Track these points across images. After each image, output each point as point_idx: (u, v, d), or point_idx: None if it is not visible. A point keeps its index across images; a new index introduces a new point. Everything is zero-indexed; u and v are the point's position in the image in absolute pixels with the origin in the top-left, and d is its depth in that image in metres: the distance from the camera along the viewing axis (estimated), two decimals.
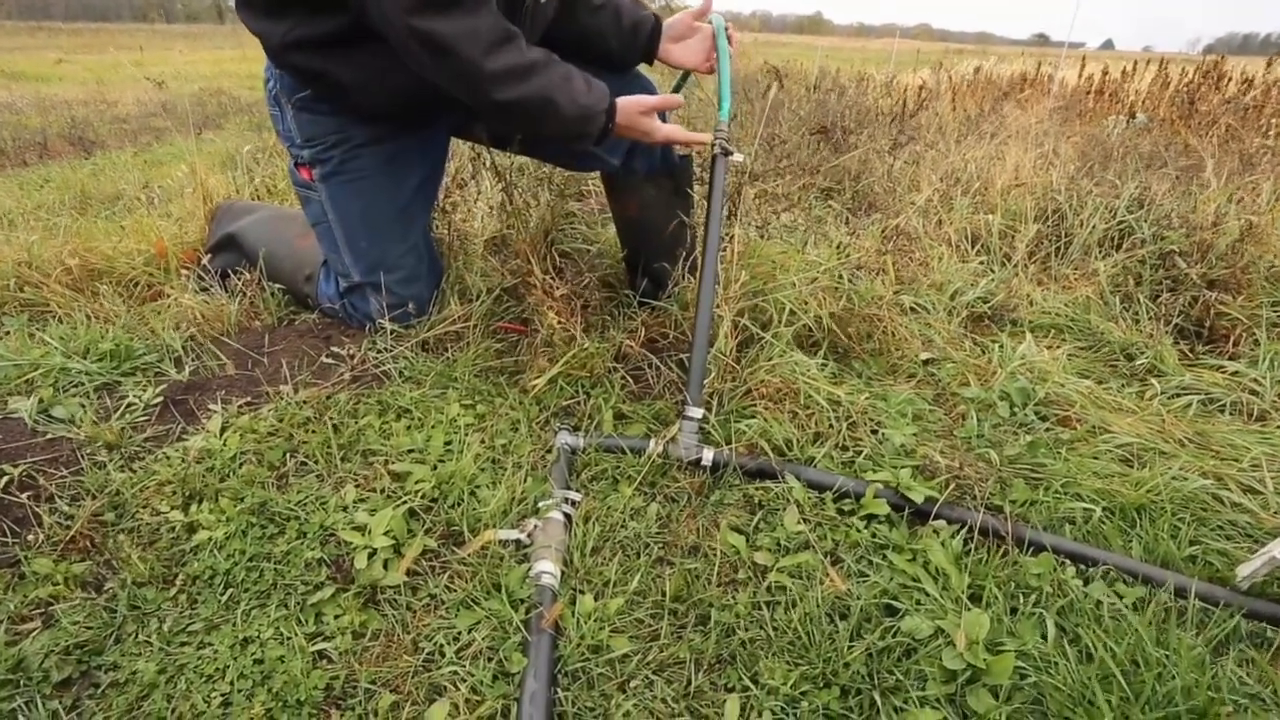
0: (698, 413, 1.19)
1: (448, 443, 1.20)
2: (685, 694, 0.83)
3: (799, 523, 1.06)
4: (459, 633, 0.88)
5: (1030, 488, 1.15)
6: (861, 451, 1.21)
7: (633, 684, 0.83)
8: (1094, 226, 2.08)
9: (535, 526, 1.01)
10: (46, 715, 0.78)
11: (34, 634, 0.85)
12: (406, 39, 1.09)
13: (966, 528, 1.05)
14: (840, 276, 1.58)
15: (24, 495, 1.02)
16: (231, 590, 0.92)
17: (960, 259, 2.04)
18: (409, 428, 1.23)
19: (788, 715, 0.81)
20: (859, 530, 1.05)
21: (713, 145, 1.32)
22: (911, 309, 1.69)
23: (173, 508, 1.03)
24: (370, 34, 1.16)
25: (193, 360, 1.41)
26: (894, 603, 0.93)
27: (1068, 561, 1.01)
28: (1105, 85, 4.71)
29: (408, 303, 1.49)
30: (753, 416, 1.26)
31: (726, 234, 1.45)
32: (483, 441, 1.21)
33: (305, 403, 1.25)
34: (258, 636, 0.86)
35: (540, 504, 1.06)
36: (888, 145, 2.90)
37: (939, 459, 1.17)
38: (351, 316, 1.53)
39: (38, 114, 5.37)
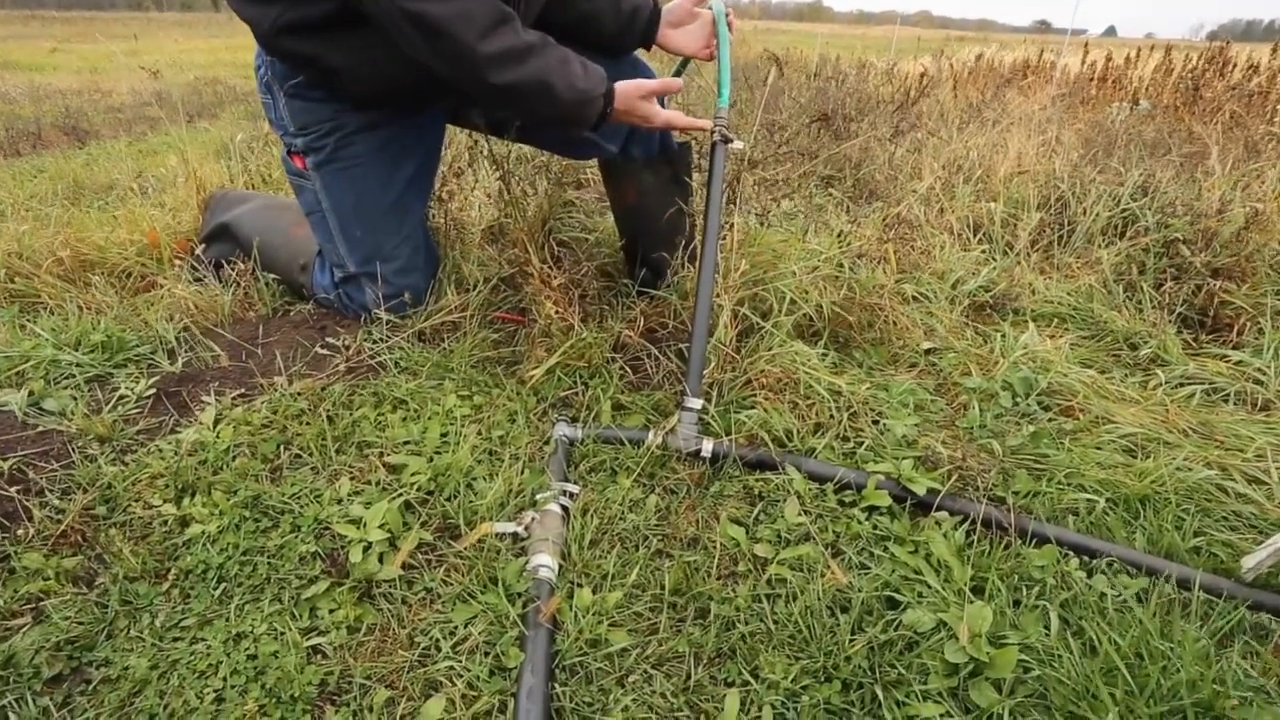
0: (697, 403, 1.18)
1: (444, 434, 1.18)
2: (684, 688, 0.82)
3: (799, 515, 1.05)
4: (455, 627, 0.87)
5: (1033, 479, 1.14)
6: (863, 442, 1.20)
7: (631, 678, 0.83)
8: (1097, 214, 2.06)
9: (533, 519, 1.00)
10: (37, 712, 0.77)
11: (24, 629, 0.84)
12: (398, 20, 1.07)
13: (969, 519, 1.04)
14: (841, 265, 1.57)
15: (14, 489, 1.01)
16: (224, 585, 0.91)
17: (962, 247, 2.02)
18: (405, 419, 1.22)
19: (788, 710, 0.80)
20: (860, 522, 1.04)
21: (712, 132, 1.30)
22: (913, 298, 1.67)
23: (165, 501, 1.02)
24: (361, 18, 1.14)
25: (186, 352, 1.39)
26: (896, 595, 0.92)
27: (1071, 553, 1.00)
28: (1108, 72, 4.67)
29: (404, 293, 1.47)
30: (753, 407, 1.25)
31: (726, 222, 1.43)
32: (479, 433, 1.19)
33: (300, 394, 1.24)
34: (251, 632, 0.85)
35: (538, 496, 1.05)
36: (889, 133, 2.87)
37: (941, 450, 1.16)
38: (347, 307, 1.52)
39: (31, 103, 5.32)
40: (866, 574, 0.96)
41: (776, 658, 0.84)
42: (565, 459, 1.14)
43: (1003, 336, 1.56)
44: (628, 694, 0.80)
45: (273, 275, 1.63)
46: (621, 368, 1.37)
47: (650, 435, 1.16)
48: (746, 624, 0.89)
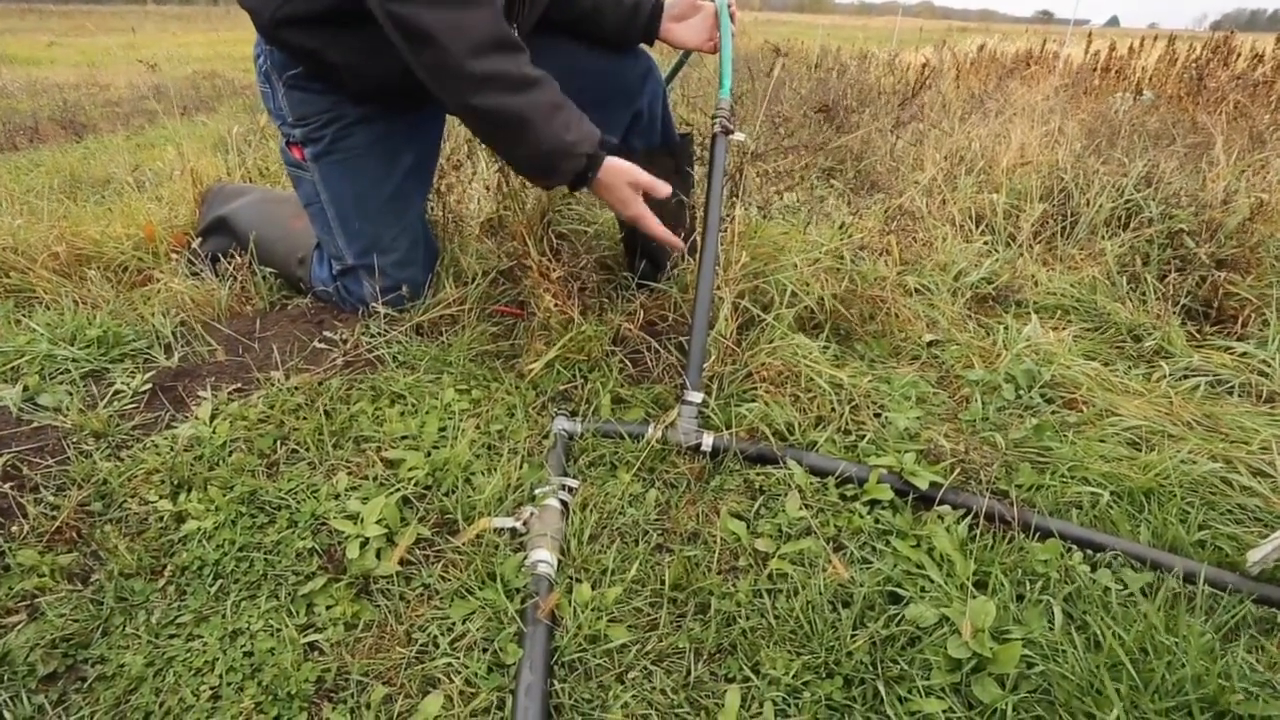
0: (697, 397, 1.17)
1: (442, 429, 1.17)
2: (685, 684, 0.81)
3: (801, 509, 1.04)
4: (453, 623, 0.86)
5: (1036, 472, 1.13)
6: (864, 435, 1.18)
7: (631, 675, 0.82)
8: (1101, 205, 2.05)
9: (531, 514, 0.99)
10: (32, 709, 0.76)
11: (19, 627, 0.84)
12: (385, 21, 1.05)
13: (971, 513, 1.03)
14: (843, 257, 1.55)
15: (8, 485, 1.00)
16: (221, 581, 0.90)
17: (964, 239, 2.01)
18: (403, 413, 1.21)
19: (789, 706, 0.79)
20: (862, 516, 1.03)
21: (713, 123, 1.29)
22: (915, 290, 1.66)
23: (161, 497, 1.01)
24: (363, 14, 1.12)
25: (182, 346, 1.38)
26: (898, 590, 0.91)
27: (1075, 547, 0.99)
28: (1111, 62, 4.64)
29: (402, 286, 1.46)
30: (753, 400, 1.24)
31: (727, 214, 1.42)
32: (478, 427, 1.18)
33: (297, 389, 1.23)
34: (247, 628, 0.84)
35: (536, 491, 1.04)
36: (891, 124, 2.85)
37: (943, 443, 1.15)
38: (345, 300, 1.51)
39: (29, 98, 5.29)
40: (868, 568, 0.95)
41: (778, 653, 0.84)
42: (564, 453, 1.13)
43: (1005, 329, 1.55)
44: (627, 690, 0.80)
45: (270, 269, 1.62)
46: (621, 361, 1.36)
47: (650, 429, 1.16)
48: (747, 619, 0.88)
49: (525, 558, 0.93)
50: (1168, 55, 4.51)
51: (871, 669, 0.82)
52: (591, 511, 1.03)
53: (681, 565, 0.94)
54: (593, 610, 0.87)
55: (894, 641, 0.85)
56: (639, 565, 0.95)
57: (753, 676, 0.82)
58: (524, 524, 0.98)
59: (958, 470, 1.10)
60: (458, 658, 0.82)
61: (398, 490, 1.02)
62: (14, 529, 0.95)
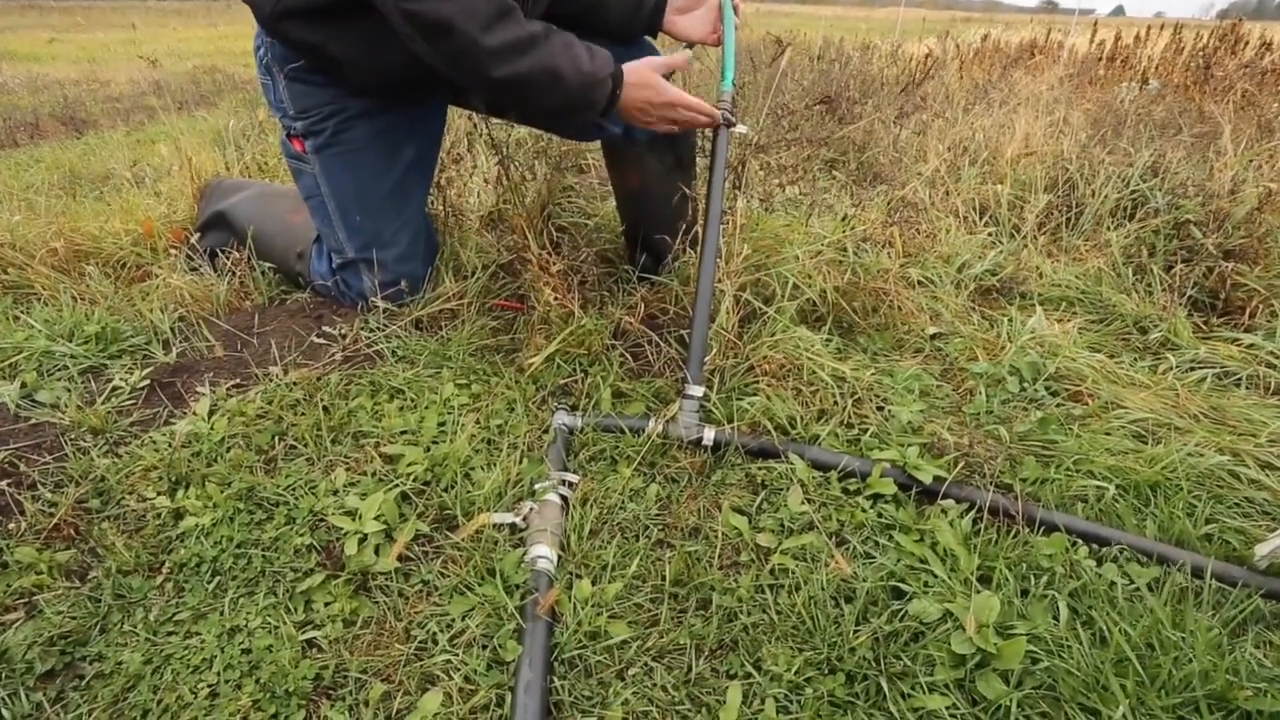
0: (698, 391, 1.16)
1: (441, 424, 1.16)
2: (686, 681, 0.80)
3: (803, 503, 1.03)
4: (452, 620, 0.85)
5: (1041, 465, 1.11)
6: (867, 429, 1.17)
7: (631, 671, 0.81)
8: (1106, 196, 2.02)
9: (531, 509, 0.99)
10: (30, 707, 0.76)
11: (17, 624, 0.83)
12: (401, 22, 1.05)
13: (976, 507, 1.02)
14: (845, 249, 1.54)
15: (5, 483, 1.00)
16: (219, 578, 0.90)
17: (968, 230, 1.99)
18: (401, 409, 1.20)
19: (791, 702, 0.78)
20: (865, 510, 1.02)
21: None
22: (918, 282, 1.64)
23: (159, 494, 1.00)
24: (365, 8, 1.11)
25: (181, 342, 1.38)
26: (901, 585, 0.90)
27: (1080, 541, 0.98)
28: (1117, 51, 4.59)
29: (401, 280, 1.45)
30: (755, 394, 1.22)
31: (729, 206, 1.41)
32: (477, 422, 1.18)
33: (295, 384, 1.22)
34: (245, 625, 0.84)
35: (536, 486, 1.03)
36: (894, 115, 2.83)
37: (947, 436, 1.13)
38: (344, 294, 1.50)
39: (29, 94, 5.29)
40: (871, 563, 0.94)
41: (779, 649, 0.83)
42: (564, 448, 1.13)
43: (1009, 321, 1.54)
44: (628, 687, 0.79)
45: (269, 264, 1.61)
46: (622, 355, 1.35)
47: (651, 423, 1.15)
48: (749, 615, 0.87)
49: (525, 553, 0.92)
50: (1174, 44, 4.46)
51: (874, 665, 0.81)
52: (592, 506, 1.02)
53: (682, 561, 0.93)
54: (593, 606, 0.87)
55: (897, 637, 0.84)
56: (639, 561, 0.94)
57: (754, 673, 0.81)
58: (524, 519, 0.98)
59: (961, 464, 1.09)
60: (457, 654, 0.82)
61: (396, 486, 1.02)
62: (11, 526, 0.95)
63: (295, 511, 0.98)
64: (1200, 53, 4.00)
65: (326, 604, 0.87)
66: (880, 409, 1.22)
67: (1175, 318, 1.57)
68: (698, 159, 1.61)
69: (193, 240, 1.69)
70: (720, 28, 1.40)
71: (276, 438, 1.12)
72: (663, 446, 1.14)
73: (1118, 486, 1.08)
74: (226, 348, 1.35)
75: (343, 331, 1.39)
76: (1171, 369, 1.40)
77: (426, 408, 1.20)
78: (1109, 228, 1.95)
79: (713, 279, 1.23)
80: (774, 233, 1.56)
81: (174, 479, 1.03)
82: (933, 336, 1.49)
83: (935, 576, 0.91)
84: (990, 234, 1.98)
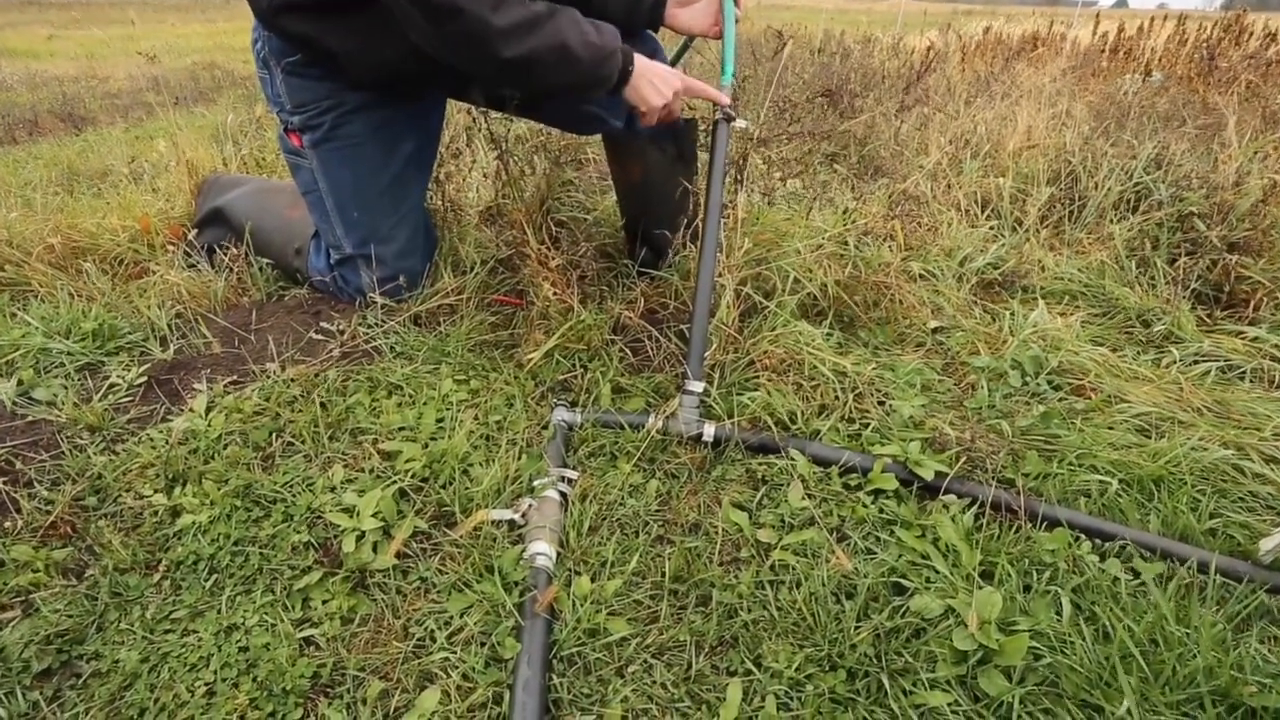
0: (698, 386, 1.15)
1: (440, 420, 1.16)
2: (685, 678, 0.80)
3: (804, 499, 1.02)
4: (450, 617, 0.85)
5: (1044, 460, 1.11)
6: (868, 424, 1.17)
7: (631, 669, 0.81)
8: (1109, 188, 2.01)
9: (530, 506, 0.98)
10: (27, 706, 0.75)
11: (13, 623, 0.83)
12: (408, 6, 1.03)
13: (978, 502, 1.02)
14: (846, 243, 1.53)
15: (2, 480, 1.00)
16: (216, 576, 0.90)
17: (970, 224, 1.98)
18: (400, 405, 1.19)
19: (792, 699, 0.78)
20: (866, 506, 1.01)
21: (714, 110, 1.27)
22: (920, 276, 1.63)
23: (156, 491, 1.00)
24: (362, 0, 1.10)
25: (178, 339, 1.37)
26: (902, 581, 0.90)
27: (1083, 536, 0.97)
28: (1120, 43, 4.56)
29: (400, 275, 1.44)
30: (755, 389, 1.22)
31: (729, 200, 1.40)
32: (476, 418, 1.17)
33: (293, 381, 1.22)
34: (243, 623, 0.84)
35: (535, 482, 1.03)
36: (895, 108, 2.81)
37: (949, 431, 1.13)
38: (342, 290, 1.49)
39: (28, 91, 5.27)
40: (872, 559, 0.93)
41: (780, 646, 0.82)
42: (564, 444, 1.12)
43: (1012, 314, 1.53)
44: (627, 684, 0.79)
45: (267, 260, 1.60)
46: (621, 350, 1.34)
47: (651, 419, 1.14)
48: (749, 611, 0.87)
49: (524, 550, 0.92)
50: (1177, 35, 4.43)
51: (875, 662, 0.81)
52: (591, 503, 1.01)
53: (682, 557, 0.93)
54: (592, 603, 0.86)
55: (898, 633, 0.83)
56: (639, 557, 0.93)
57: (755, 670, 0.80)
58: (522, 516, 0.97)
59: (963, 459, 1.08)
60: (455, 652, 0.81)
61: (394, 483, 1.01)
62: (8, 524, 0.94)
63: (293, 509, 0.98)
64: (1204, 44, 3.98)
65: (324, 601, 0.86)
66: (881, 404, 1.21)
67: (1179, 311, 1.56)
68: (699, 153, 1.60)
69: (190, 236, 1.68)
70: (722, 21, 1.39)
71: (274, 435, 1.12)
72: (662, 442, 1.13)
73: (1121, 481, 1.07)
74: (224, 344, 1.35)
75: (341, 327, 1.38)
76: (1175, 362, 1.39)
77: (425, 404, 1.19)
78: (1112, 220, 1.94)
79: (713, 273, 1.22)
80: (775, 226, 1.55)
81: (171, 476, 1.02)
82: (934, 330, 1.48)
83: (937, 572, 0.90)
84: (992, 227, 1.97)
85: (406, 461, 1.05)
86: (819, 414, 1.19)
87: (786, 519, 1.00)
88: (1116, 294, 1.65)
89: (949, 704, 0.76)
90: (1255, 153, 2.05)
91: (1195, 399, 1.26)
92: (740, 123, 1.30)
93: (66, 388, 1.20)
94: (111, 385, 1.22)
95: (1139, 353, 1.45)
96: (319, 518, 0.97)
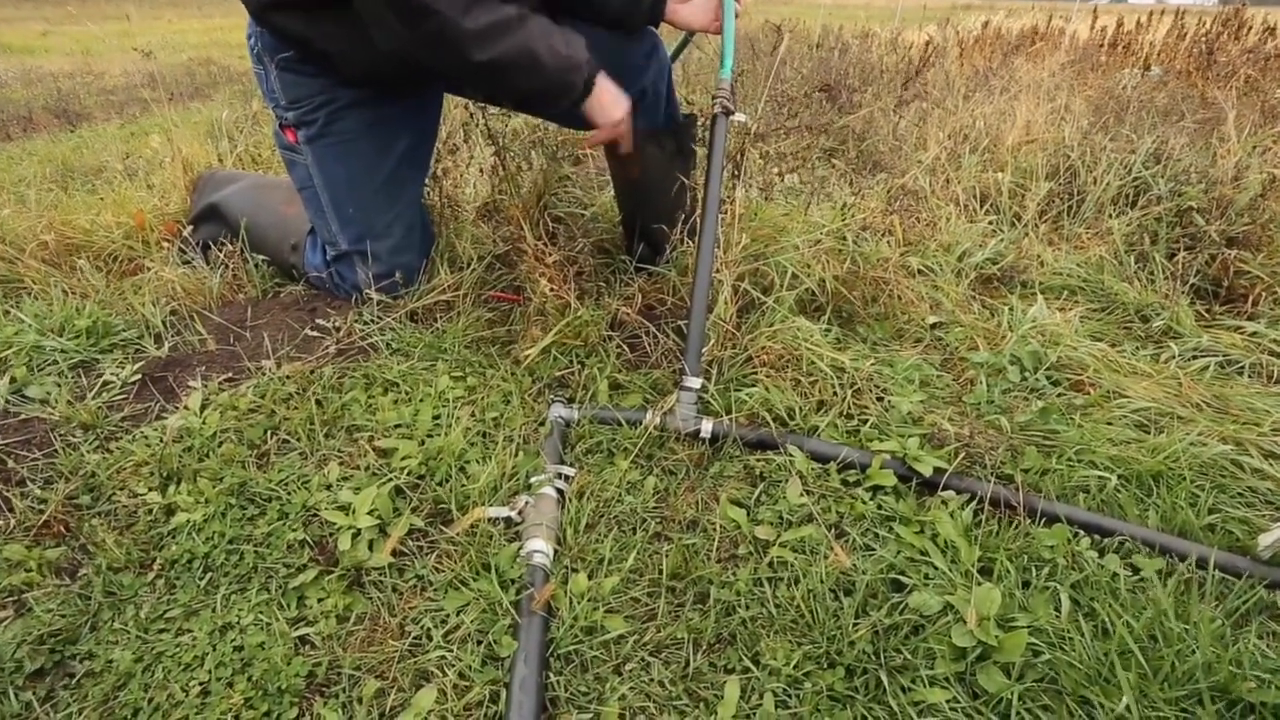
0: (696, 382, 1.15)
1: (436, 417, 1.15)
2: (683, 676, 0.80)
3: (802, 495, 1.02)
4: (447, 615, 0.84)
5: (1042, 456, 1.10)
6: (867, 420, 1.16)
7: (628, 666, 0.80)
8: (1108, 183, 2.00)
9: (527, 503, 0.97)
10: (19, 707, 0.75)
11: (6, 623, 0.82)
12: (382, 9, 1.02)
13: (976, 498, 1.01)
14: (844, 238, 1.52)
15: None
16: (210, 575, 0.89)
17: (969, 219, 1.97)
18: (396, 402, 1.19)
19: (790, 697, 0.77)
20: (864, 502, 1.01)
21: (713, 104, 1.26)
22: (918, 271, 1.63)
23: (150, 489, 0.99)
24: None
25: (173, 336, 1.36)
26: (901, 578, 0.89)
27: (1082, 532, 0.97)
28: (1119, 37, 4.55)
29: (396, 272, 1.44)
30: (753, 385, 1.21)
31: (727, 195, 1.39)
32: (473, 415, 1.16)
33: (288, 378, 1.21)
34: (238, 622, 0.83)
35: (532, 479, 1.02)
36: (893, 103, 2.80)
37: (947, 427, 1.12)
38: (338, 286, 1.48)
39: (23, 86, 5.24)
40: (871, 556, 0.93)
41: (778, 643, 0.82)
42: (561, 440, 1.11)
43: (1010, 310, 1.52)
44: (625, 682, 0.78)
45: (262, 256, 1.59)
46: (619, 346, 1.33)
47: (648, 415, 1.13)
48: (747, 609, 0.86)
49: (520, 548, 0.91)
50: (1176, 29, 4.42)
51: (874, 659, 0.80)
52: (588, 500, 1.01)
53: (680, 554, 0.92)
54: (589, 601, 0.86)
55: (897, 630, 0.83)
56: (637, 554, 0.93)
57: (753, 667, 0.80)
58: (519, 513, 0.97)
59: (962, 455, 1.08)
60: (451, 650, 0.81)
61: (390, 480, 1.00)
62: (1, 523, 0.94)
63: (288, 507, 0.97)
64: (1203, 38, 3.97)
65: (319, 600, 0.86)
66: (880, 399, 1.21)
67: (1178, 306, 1.56)
68: (696, 148, 1.59)
69: (185, 233, 1.67)
70: (721, 15, 1.38)
71: (269, 432, 1.11)
72: (660, 439, 1.12)
73: (1120, 477, 1.06)
74: (219, 341, 1.34)
75: (336, 324, 1.38)
76: (1174, 358, 1.39)
77: (421, 401, 1.18)
78: (1111, 215, 1.93)
79: (711, 269, 1.21)
80: (773, 222, 1.54)
81: (165, 474, 1.02)
82: (933, 326, 1.48)
83: (936, 569, 0.90)
84: (991, 222, 1.96)
85: (402, 459, 1.04)
86: (817, 410, 1.18)
87: (785, 515, 1.00)
88: (1115, 289, 1.64)
89: (947, 701, 0.75)
90: (1254, 147, 2.04)
91: (1194, 394, 1.26)
92: (739, 116, 1.30)
93: (60, 385, 1.19)
94: (105, 383, 1.21)
95: (1138, 348, 1.44)
96: (314, 516, 0.96)
